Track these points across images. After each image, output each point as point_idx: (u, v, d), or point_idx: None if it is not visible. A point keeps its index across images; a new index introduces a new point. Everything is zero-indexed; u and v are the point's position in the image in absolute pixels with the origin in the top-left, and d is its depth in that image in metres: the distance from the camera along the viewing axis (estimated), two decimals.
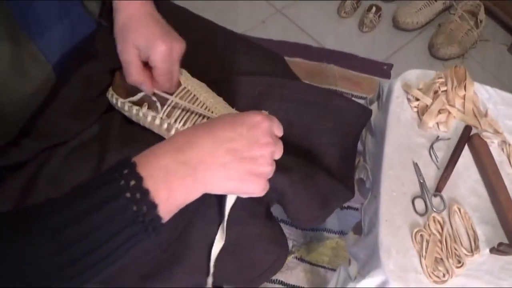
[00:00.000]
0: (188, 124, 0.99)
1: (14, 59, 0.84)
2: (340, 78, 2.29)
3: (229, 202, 0.93)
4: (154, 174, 0.67)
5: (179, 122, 0.99)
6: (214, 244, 0.96)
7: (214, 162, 0.73)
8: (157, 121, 1.00)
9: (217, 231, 0.96)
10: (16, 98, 0.86)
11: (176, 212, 0.72)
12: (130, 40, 0.94)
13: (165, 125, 0.99)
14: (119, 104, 1.03)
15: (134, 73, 0.95)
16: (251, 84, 1.12)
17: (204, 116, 1.00)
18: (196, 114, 1.01)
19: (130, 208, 0.64)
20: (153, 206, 0.66)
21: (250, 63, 1.19)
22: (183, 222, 0.95)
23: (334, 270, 1.77)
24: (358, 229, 1.28)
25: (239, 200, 0.95)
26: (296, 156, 1.06)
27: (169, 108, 1.00)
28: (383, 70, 2.37)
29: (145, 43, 0.93)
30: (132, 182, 0.65)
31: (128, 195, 0.64)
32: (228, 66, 1.18)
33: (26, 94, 0.87)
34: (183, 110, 1.00)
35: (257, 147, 0.76)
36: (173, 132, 0.99)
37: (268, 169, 0.77)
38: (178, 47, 0.96)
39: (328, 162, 1.12)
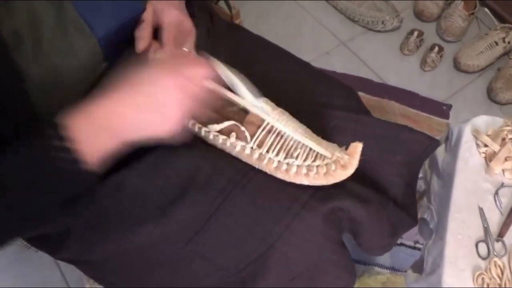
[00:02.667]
0: (281, 154, 1.01)
1: (59, 27, 0.86)
2: (400, 115, 2.32)
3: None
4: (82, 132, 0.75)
5: (272, 152, 1.01)
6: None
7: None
8: (247, 151, 1.01)
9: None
10: (60, 70, 0.88)
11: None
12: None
13: (256, 155, 1.01)
14: (202, 133, 1.05)
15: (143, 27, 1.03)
16: (327, 116, 1.15)
17: (297, 144, 1.02)
18: (289, 142, 1.02)
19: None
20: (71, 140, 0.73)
21: (326, 96, 1.23)
22: (265, 245, 0.98)
23: None
24: (417, 268, 1.31)
25: (316, 223, 0.99)
26: (368, 187, 1.09)
27: (260, 138, 1.02)
28: (442, 110, 2.39)
29: (161, 7, 1.04)
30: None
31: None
32: (306, 97, 1.21)
33: (71, 67, 0.90)
34: (275, 138, 1.02)
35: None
36: (265, 161, 1.01)
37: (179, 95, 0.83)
38: (189, 23, 1.07)
39: (395, 191, 1.16)
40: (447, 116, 2.37)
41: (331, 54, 2.55)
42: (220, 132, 1.04)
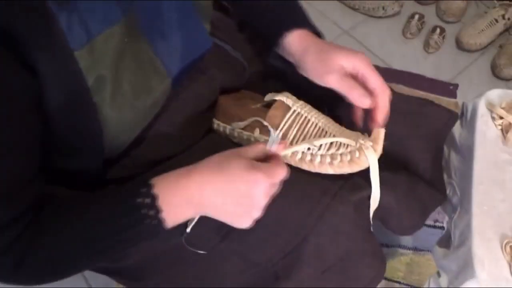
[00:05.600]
0: (305, 145, 1.01)
1: (138, 69, 0.88)
2: None
3: (373, 207, 1.02)
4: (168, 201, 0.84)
5: (296, 144, 1.02)
6: None
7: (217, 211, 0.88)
8: None
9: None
10: (136, 110, 0.89)
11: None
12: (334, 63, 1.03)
13: None
14: (227, 131, 1.07)
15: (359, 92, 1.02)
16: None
17: (320, 134, 1.04)
18: (311, 133, 1.04)
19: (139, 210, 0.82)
20: (159, 210, 0.83)
21: None
22: (299, 238, 0.99)
23: (409, 285, 1.82)
24: (444, 244, 1.32)
25: (348, 213, 1.01)
26: (396, 167, 1.11)
27: (283, 131, 1.03)
28: (449, 90, 2.41)
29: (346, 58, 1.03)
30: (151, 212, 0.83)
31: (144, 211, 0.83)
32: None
33: (146, 106, 0.91)
34: (297, 131, 1.03)
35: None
36: (290, 153, 1.02)
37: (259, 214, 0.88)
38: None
39: (422, 167, 1.17)
40: (454, 96, 2.40)
41: (334, 43, 2.54)
42: (244, 129, 1.06)
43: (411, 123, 1.17)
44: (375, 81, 1.04)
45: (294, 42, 1.08)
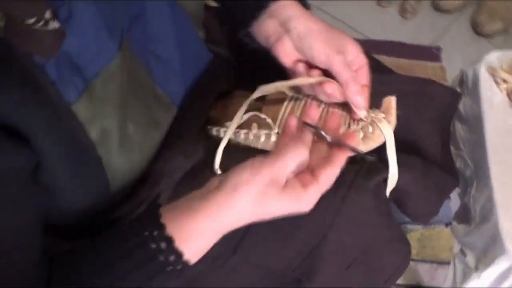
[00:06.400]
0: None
1: (143, 106, 0.81)
2: (393, 68, 2.28)
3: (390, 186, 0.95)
4: (186, 237, 0.72)
5: None
6: None
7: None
8: (273, 138, 0.94)
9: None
10: (145, 149, 0.83)
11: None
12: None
13: None
14: (221, 133, 0.98)
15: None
16: None
17: (325, 115, 0.94)
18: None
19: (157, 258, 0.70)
20: (180, 254, 0.71)
21: None
22: (317, 237, 0.93)
23: (424, 261, 1.78)
24: (462, 219, 1.27)
25: (367, 202, 0.94)
26: (407, 150, 1.04)
27: (283, 120, 0.95)
28: (433, 54, 2.36)
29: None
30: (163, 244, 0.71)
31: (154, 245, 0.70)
32: None
33: (155, 143, 0.85)
34: (300, 117, 0.92)
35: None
36: None
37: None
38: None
39: (433, 151, 1.10)
40: (439, 59, 2.35)
41: None
42: (240, 127, 0.98)
43: (416, 106, 1.09)
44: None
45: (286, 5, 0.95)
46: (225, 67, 1.08)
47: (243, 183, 0.72)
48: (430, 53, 2.37)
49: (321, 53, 0.89)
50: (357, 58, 0.91)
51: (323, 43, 0.89)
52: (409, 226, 1.78)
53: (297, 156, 0.75)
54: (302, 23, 0.90)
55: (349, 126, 0.93)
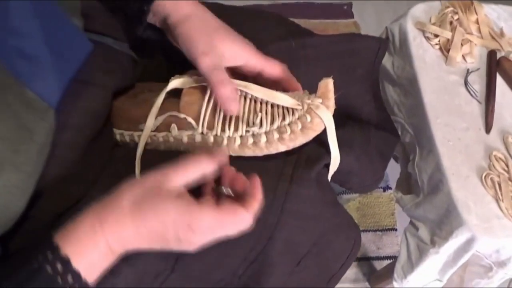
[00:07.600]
0: (241, 126, 0.83)
1: (9, 116, 0.69)
2: None
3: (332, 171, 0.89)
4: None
5: (229, 128, 0.82)
6: None
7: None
8: (198, 138, 0.83)
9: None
10: (20, 168, 0.71)
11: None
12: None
13: (211, 139, 0.83)
14: (135, 139, 0.87)
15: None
16: (273, 53, 0.95)
17: (254, 107, 0.85)
18: (244, 109, 0.84)
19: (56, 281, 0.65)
20: (77, 274, 0.66)
21: (263, 32, 1.04)
22: (263, 240, 0.85)
23: (367, 231, 1.71)
24: (407, 189, 1.19)
25: (312, 194, 0.87)
26: (343, 120, 0.96)
27: (206, 117, 0.83)
28: (344, 11, 2.28)
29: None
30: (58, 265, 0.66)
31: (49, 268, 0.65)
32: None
33: (32, 156, 0.73)
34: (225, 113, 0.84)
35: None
36: (225, 143, 0.83)
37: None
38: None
39: (367, 111, 1.04)
40: (351, 16, 2.27)
41: None
42: (158, 130, 0.86)
43: (346, 66, 1.02)
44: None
45: None
46: (117, 57, 0.95)
47: (126, 185, 0.70)
48: (341, 10, 2.29)
49: (189, 55, 0.85)
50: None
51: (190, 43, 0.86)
52: (345, 196, 1.71)
53: (198, 168, 0.72)
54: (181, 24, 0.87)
55: (283, 117, 0.83)
